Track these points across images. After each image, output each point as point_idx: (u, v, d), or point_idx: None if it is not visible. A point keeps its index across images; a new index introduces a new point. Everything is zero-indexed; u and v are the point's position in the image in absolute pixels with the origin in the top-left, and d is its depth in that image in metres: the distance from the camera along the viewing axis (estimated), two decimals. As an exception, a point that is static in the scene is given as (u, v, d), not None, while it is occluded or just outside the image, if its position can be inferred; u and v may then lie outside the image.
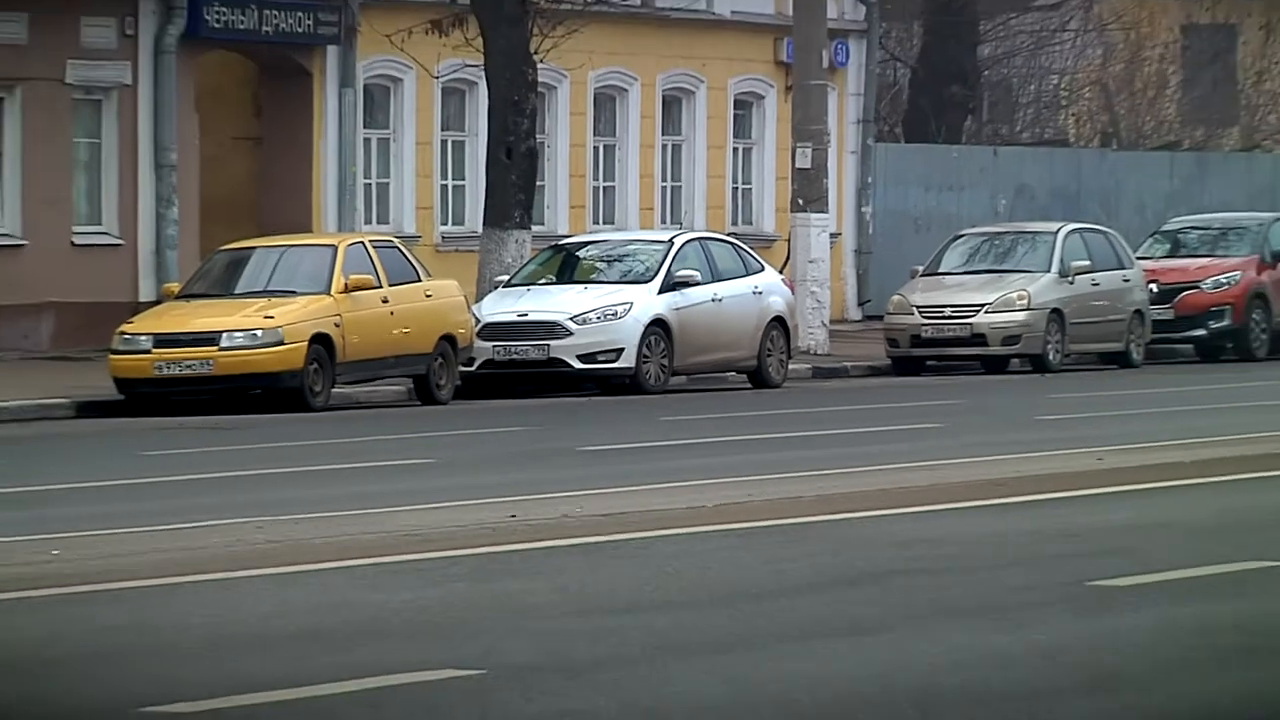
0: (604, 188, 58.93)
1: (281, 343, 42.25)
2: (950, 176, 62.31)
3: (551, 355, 45.01)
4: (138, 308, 46.18)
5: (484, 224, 50.14)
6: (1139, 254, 54.61)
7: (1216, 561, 20.37)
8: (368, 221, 52.79)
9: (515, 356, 44.97)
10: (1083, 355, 55.59)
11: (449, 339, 43.88)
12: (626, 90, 59.34)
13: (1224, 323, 54.83)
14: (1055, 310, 53.29)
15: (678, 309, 45.76)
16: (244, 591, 19.77)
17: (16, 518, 24.51)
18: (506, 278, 47.21)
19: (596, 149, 59.04)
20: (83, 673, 16.09)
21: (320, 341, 42.29)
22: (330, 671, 15.32)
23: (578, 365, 44.90)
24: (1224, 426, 34.59)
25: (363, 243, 45.03)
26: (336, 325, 42.38)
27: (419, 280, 44.31)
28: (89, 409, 41.48)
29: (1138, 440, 31.86)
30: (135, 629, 17.90)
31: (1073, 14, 76.22)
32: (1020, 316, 50.47)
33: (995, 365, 52.74)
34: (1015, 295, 53.77)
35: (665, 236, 48.41)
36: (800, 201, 53.22)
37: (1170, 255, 55.73)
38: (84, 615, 18.72)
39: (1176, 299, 54.41)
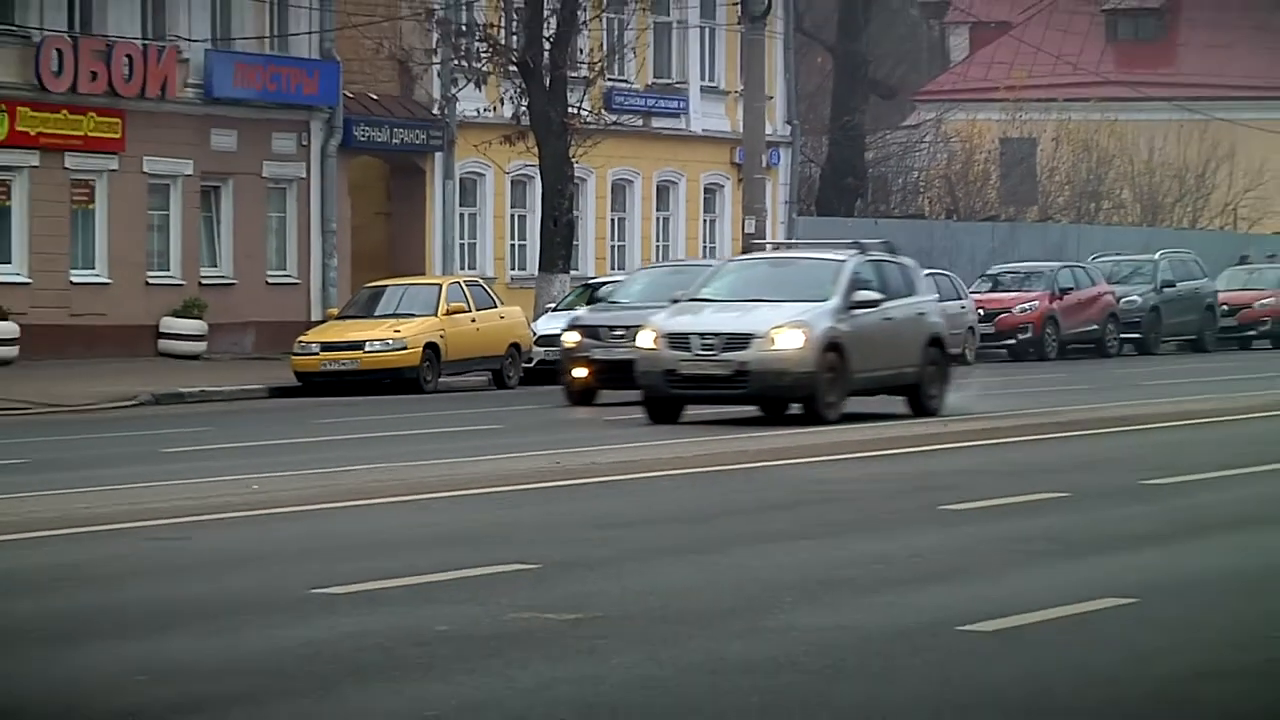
0: (617, 246, 58.88)
1: (405, 348, 42.43)
2: (847, 238, 62.20)
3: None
4: (309, 325, 46.15)
5: (539, 269, 50.16)
6: (972, 289, 54.58)
7: (1026, 492, 20.32)
8: (461, 267, 52.70)
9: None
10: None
11: (515, 346, 44.13)
12: (632, 181, 59.25)
13: (1027, 335, 54.81)
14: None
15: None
16: (379, 512, 19.80)
17: (223, 465, 24.51)
18: (553, 305, 47.25)
19: (612, 220, 58.98)
20: (265, 568, 16.22)
21: (430, 347, 42.51)
22: (437, 565, 15.43)
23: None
24: (1032, 406, 34.39)
25: (458, 282, 45.43)
26: (441, 336, 42.66)
27: (495, 306, 44.63)
28: (277, 392, 41.59)
29: (968, 412, 31.76)
30: (309, 537, 18.05)
31: (928, 130, 75.95)
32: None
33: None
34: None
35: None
36: (749, 253, 53.06)
37: (992, 290, 55.65)
38: (265, 530, 18.76)
39: (996, 319, 54.43)
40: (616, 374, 34.24)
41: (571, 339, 36.74)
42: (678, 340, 29.72)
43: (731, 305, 30.46)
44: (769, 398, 29.87)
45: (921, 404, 30.88)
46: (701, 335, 29.59)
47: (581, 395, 36.24)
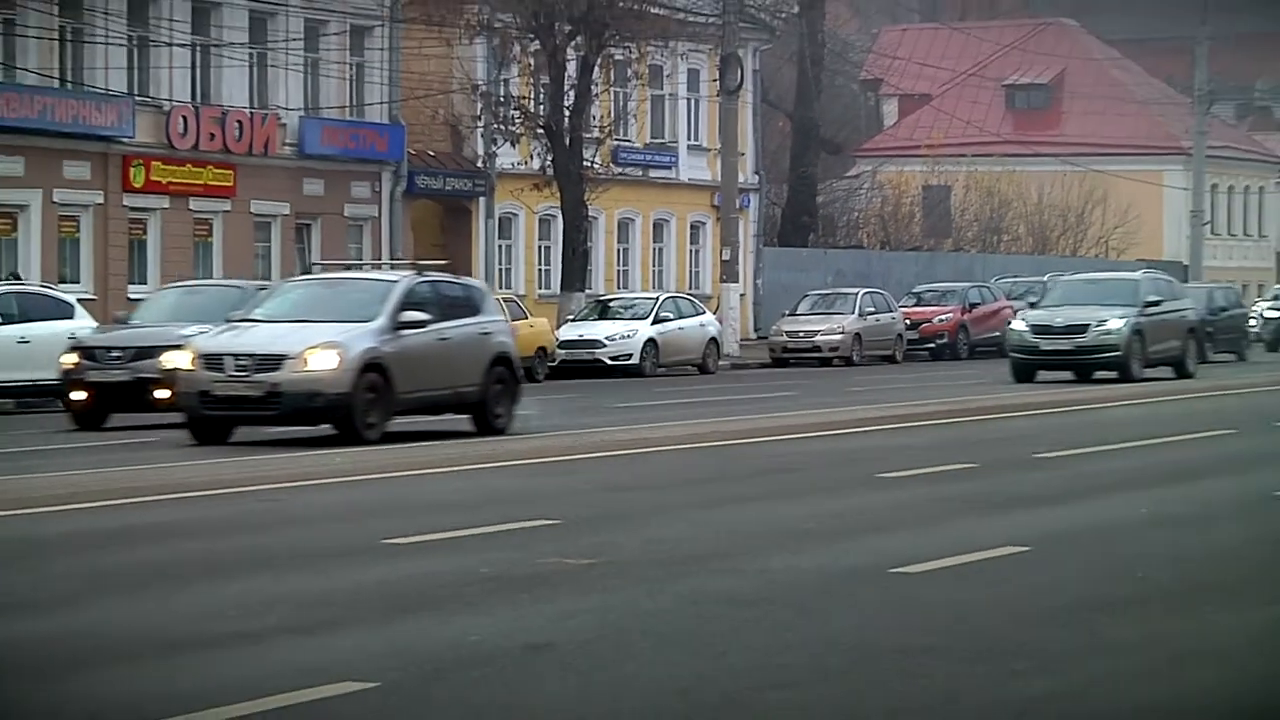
0: (622, 270, 58.76)
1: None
2: (801, 265, 62.24)
3: (596, 357, 45.10)
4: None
5: (560, 288, 50.31)
6: (900, 304, 54.51)
7: (943, 464, 20.18)
8: (500, 286, 52.68)
9: (580, 356, 45.02)
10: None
11: (542, 348, 43.87)
12: (634, 219, 59.20)
13: (944, 340, 54.67)
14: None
15: (663, 333, 45.86)
16: (433, 480, 19.61)
17: (310, 442, 23.94)
18: (572, 316, 47.35)
19: (618, 250, 58.93)
20: (345, 524, 16.20)
21: None
22: (480, 521, 15.34)
23: (609, 362, 44.97)
24: (941, 395, 34.44)
25: (499, 299, 44.99)
26: (484, 341, 42.51)
27: (526, 317, 44.26)
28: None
29: (889, 401, 31.80)
30: (379, 500, 18.02)
31: (865, 179, 76.08)
32: None
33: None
34: None
35: (655, 295, 48.47)
36: (725, 277, 53.08)
37: (916, 305, 55.41)
38: (345, 494, 18.54)
39: (920, 327, 54.29)
40: (118, 396, 28.34)
41: (69, 360, 28.94)
42: (212, 361, 24.09)
43: (277, 325, 24.65)
44: (303, 419, 24.11)
45: (487, 423, 25.21)
46: (235, 356, 24.00)
47: (86, 418, 28.43)
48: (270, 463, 21.12)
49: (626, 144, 57.69)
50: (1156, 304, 38.26)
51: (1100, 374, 37.93)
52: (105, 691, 9.36)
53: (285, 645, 10.45)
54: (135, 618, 11.34)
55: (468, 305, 25.86)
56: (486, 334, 25.79)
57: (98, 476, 19.52)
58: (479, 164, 53.27)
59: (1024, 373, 37.85)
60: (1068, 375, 38.13)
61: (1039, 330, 37.80)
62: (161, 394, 26.56)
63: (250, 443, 24.15)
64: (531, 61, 49.85)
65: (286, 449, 23.19)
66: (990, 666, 9.78)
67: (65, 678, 9.68)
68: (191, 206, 47.13)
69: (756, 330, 59.39)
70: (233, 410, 24.26)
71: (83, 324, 33.97)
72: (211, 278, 47.38)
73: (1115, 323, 37.30)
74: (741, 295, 56.07)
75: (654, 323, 45.68)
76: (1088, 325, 37.34)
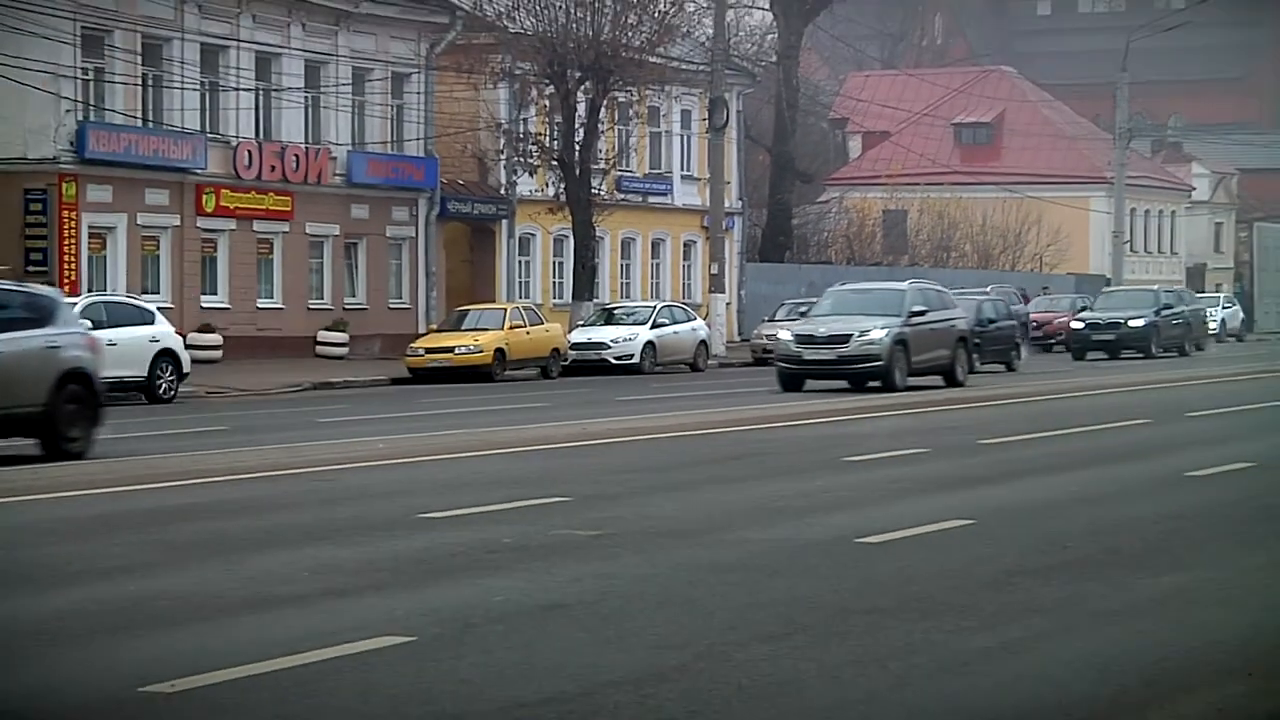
0: (624, 283, 58.64)
1: (482, 351, 42.14)
2: (779, 278, 62.16)
3: (602, 357, 45.06)
4: (417, 336, 46.14)
5: (571, 298, 50.23)
6: None
7: (900, 449, 20.05)
8: (519, 296, 52.70)
9: (589, 356, 45.03)
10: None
11: (556, 350, 43.85)
12: (635, 239, 59.10)
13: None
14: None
15: (660, 337, 45.86)
16: (463, 462, 19.51)
17: (359, 430, 24.27)
18: (581, 323, 47.31)
19: (622, 265, 58.83)
20: (388, 500, 16.08)
21: (499, 350, 42.23)
22: (503, 499, 15.30)
23: (613, 361, 44.94)
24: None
25: (518, 307, 45.01)
26: (506, 343, 42.40)
27: (542, 323, 44.28)
28: (396, 382, 41.55)
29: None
30: (417, 479, 17.70)
31: (833, 204, 76.01)
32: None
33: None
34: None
35: (653, 304, 48.46)
36: (713, 288, 52.98)
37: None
38: (388, 475, 18.24)
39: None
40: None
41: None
42: None
43: None
44: None
45: (57, 446, 19.59)
46: None
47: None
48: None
49: (628, 174, 57.59)
50: (922, 314, 33.77)
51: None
52: (169, 646, 9.35)
53: (334, 605, 10.41)
54: (202, 583, 11.26)
55: (31, 317, 20.14)
56: (54, 348, 20.08)
57: (170, 461, 19.58)
58: (502, 191, 53.30)
59: (791, 383, 33.58)
60: (842, 384, 33.12)
61: (803, 340, 33.59)
62: None
63: None
64: (547, 103, 49.82)
65: None
66: (939, 623, 9.78)
67: (137, 633, 9.69)
68: (255, 228, 47.14)
69: (740, 334, 59.33)
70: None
71: (162, 329, 34.05)
72: (273, 287, 47.51)
73: (877, 333, 32.91)
74: (727, 304, 56.09)
75: (652, 328, 45.60)
76: (850, 335, 33.03)
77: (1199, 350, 51.97)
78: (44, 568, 11.95)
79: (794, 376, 33.45)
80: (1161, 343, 50.68)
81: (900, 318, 33.17)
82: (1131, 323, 50.62)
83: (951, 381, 34.23)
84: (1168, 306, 52.22)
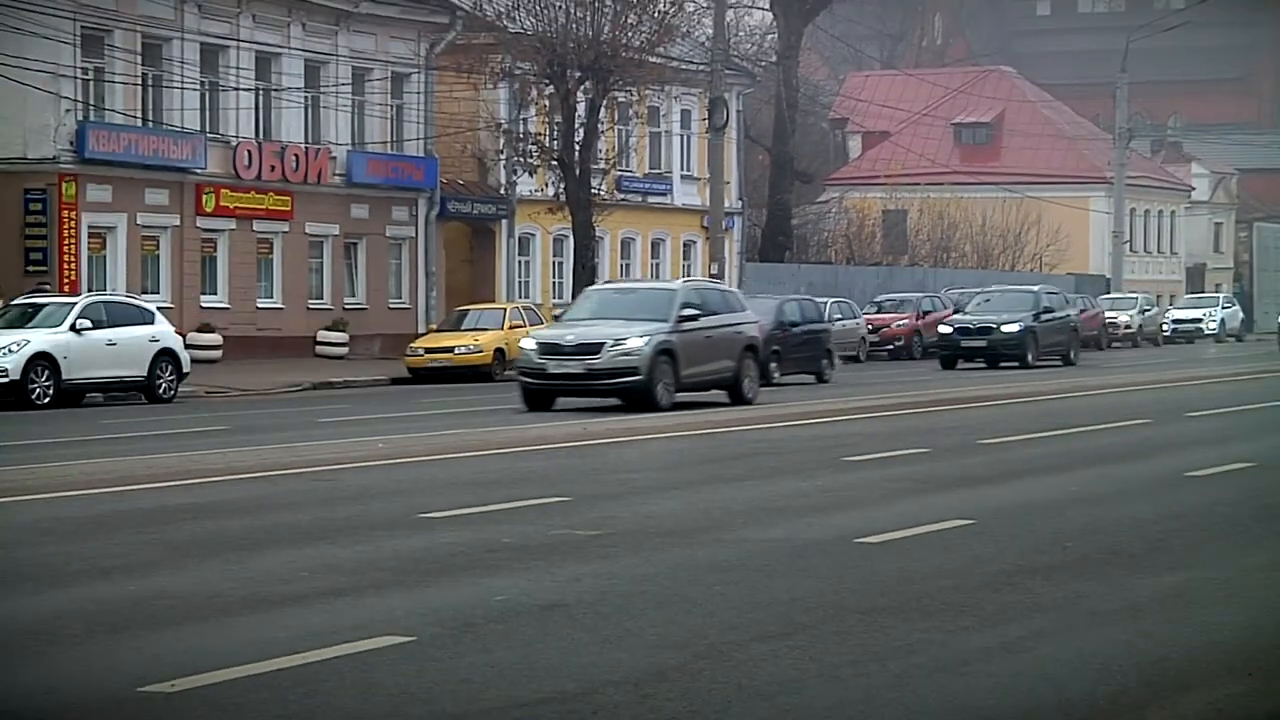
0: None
1: (481, 351, 42.26)
2: (778, 278, 62.13)
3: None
4: (417, 335, 46.19)
5: (572, 298, 49.66)
6: (864, 311, 54.44)
7: (900, 449, 20.08)
8: (519, 297, 52.69)
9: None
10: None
11: (556, 349, 44.02)
12: (635, 239, 59.09)
13: (901, 343, 54.70)
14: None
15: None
16: (463, 462, 19.49)
17: (358, 430, 24.16)
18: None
19: (622, 265, 58.78)
20: (388, 500, 16.05)
21: (498, 350, 42.27)
22: (503, 498, 15.34)
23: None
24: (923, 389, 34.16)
25: (517, 307, 45.14)
26: (505, 343, 42.31)
27: (542, 323, 44.30)
28: (396, 381, 41.58)
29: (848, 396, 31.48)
30: (418, 479, 17.74)
31: (833, 204, 76.02)
32: None
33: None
34: None
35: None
36: (713, 288, 53.15)
37: (877, 312, 55.37)
38: (388, 474, 18.36)
39: (880, 331, 54.27)
40: None
41: None
42: None
43: None
44: None
45: None
46: None
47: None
48: None
49: (628, 174, 57.55)
50: (694, 318, 28.35)
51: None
52: (169, 645, 9.35)
53: (334, 605, 10.41)
54: (202, 583, 11.26)
55: None
56: None
57: (170, 461, 19.58)
58: (502, 191, 53.28)
59: (536, 400, 27.95)
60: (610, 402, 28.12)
61: (547, 350, 27.82)
62: None
63: None
64: (546, 103, 49.77)
65: None
66: (938, 622, 9.78)
67: (137, 633, 9.70)
68: (255, 228, 47.14)
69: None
70: None
71: (162, 329, 34.06)
72: (273, 287, 47.52)
73: (635, 341, 27.45)
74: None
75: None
76: (602, 344, 27.44)
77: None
78: (44, 567, 11.95)
79: (539, 394, 27.98)
80: (1041, 350, 45.67)
81: (667, 323, 27.97)
82: (1005, 328, 45.32)
83: (737, 398, 29.21)
84: (1048, 310, 46.90)
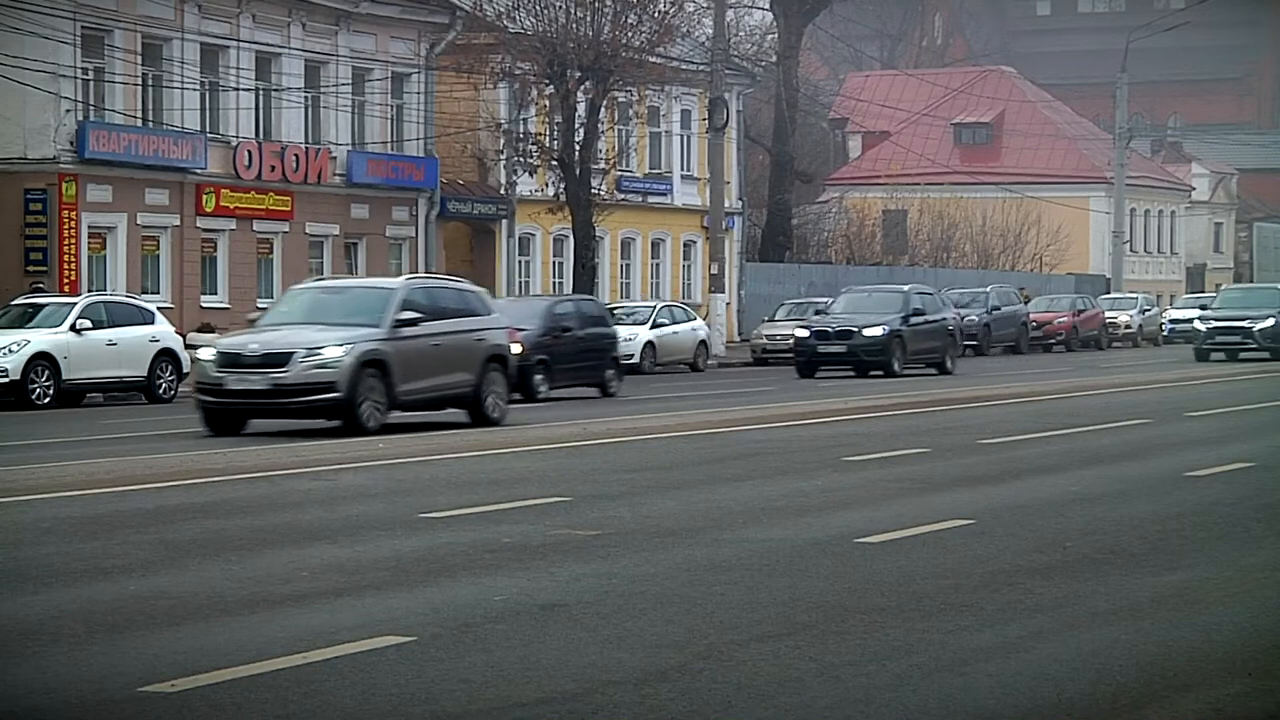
0: (624, 283, 58.71)
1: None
2: (779, 278, 62.26)
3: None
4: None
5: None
6: None
7: (900, 449, 20.19)
8: (520, 294, 52.72)
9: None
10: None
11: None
12: (635, 239, 59.15)
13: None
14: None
15: (660, 337, 45.72)
16: (463, 462, 19.36)
17: (355, 430, 23.41)
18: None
19: (622, 265, 58.88)
20: (388, 500, 15.95)
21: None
22: (503, 498, 15.39)
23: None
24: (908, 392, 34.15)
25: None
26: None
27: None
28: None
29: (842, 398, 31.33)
30: (417, 480, 17.58)
31: (833, 204, 76.06)
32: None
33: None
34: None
35: (652, 304, 48.37)
36: (713, 288, 53.01)
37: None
38: (388, 475, 18.20)
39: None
40: None
41: None
42: None
43: None
44: None
45: None
46: None
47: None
48: None
49: (628, 174, 57.61)
50: (414, 322, 23.74)
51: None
52: (169, 646, 9.32)
53: (334, 605, 10.40)
54: (202, 583, 11.22)
55: None
56: None
57: (170, 460, 19.56)
58: (502, 191, 53.33)
59: (221, 424, 22.98)
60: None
61: (227, 363, 23.01)
62: None
63: None
64: (547, 103, 49.78)
65: None
66: (938, 622, 9.78)
67: (137, 633, 9.67)
68: (255, 228, 47.13)
69: (740, 334, 59.32)
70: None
71: (162, 329, 34.05)
72: (272, 287, 47.50)
73: (334, 350, 22.80)
74: (727, 304, 56.07)
75: (652, 327, 45.48)
76: (291, 354, 22.76)
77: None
78: (44, 567, 11.91)
79: (220, 414, 23.12)
80: (910, 357, 40.72)
81: (380, 328, 23.44)
82: (867, 331, 40.20)
83: (479, 417, 24.62)
84: (918, 312, 41.59)
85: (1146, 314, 66.95)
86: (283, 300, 26.38)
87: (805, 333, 41.30)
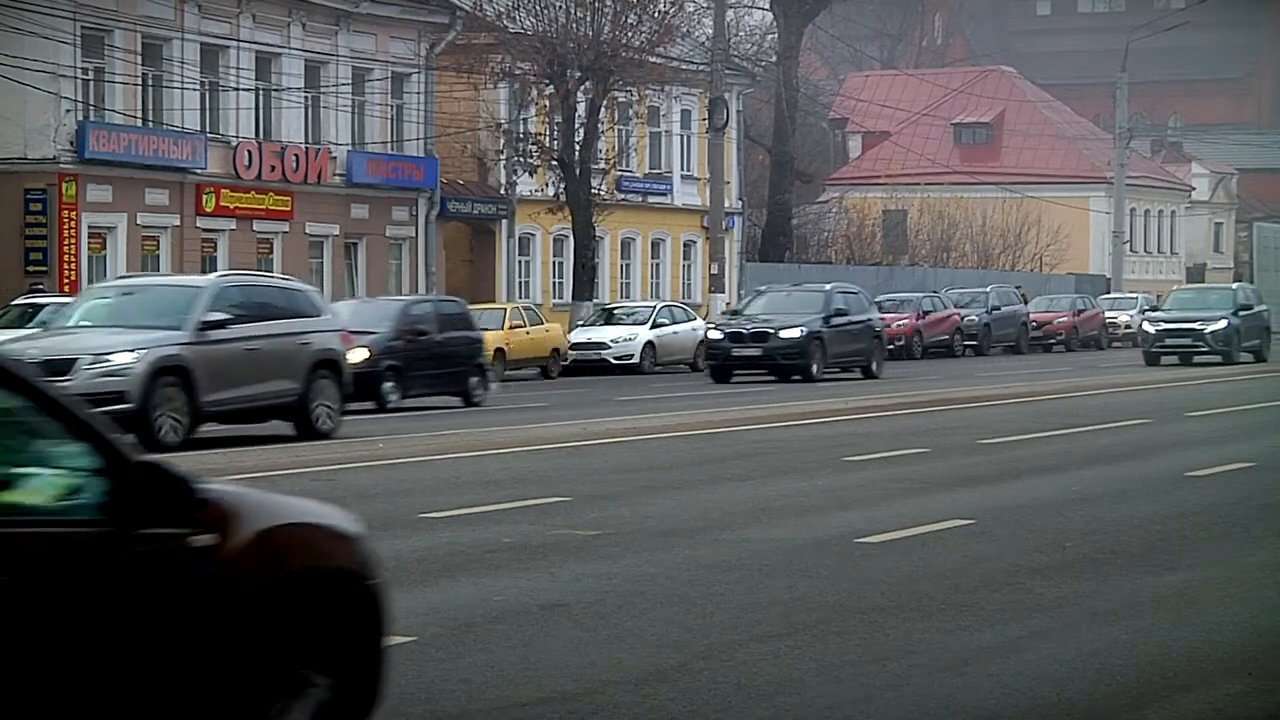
0: (624, 283, 58.60)
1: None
2: (778, 278, 62.14)
3: (602, 357, 44.91)
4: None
5: (572, 298, 50.35)
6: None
7: (900, 448, 20.18)
8: (519, 296, 52.68)
9: (589, 356, 44.98)
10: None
11: (556, 350, 43.85)
12: (635, 239, 59.05)
13: (902, 342, 54.24)
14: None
15: (660, 337, 45.75)
16: (464, 462, 19.37)
17: (355, 430, 23.76)
18: (581, 323, 47.28)
19: (622, 265, 58.75)
20: (388, 500, 15.85)
21: (499, 350, 41.42)
22: (503, 498, 15.44)
23: (613, 361, 44.82)
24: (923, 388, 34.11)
25: (518, 307, 45.01)
26: (506, 343, 42.04)
27: (542, 323, 44.24)
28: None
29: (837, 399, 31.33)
30: (417, 479, 17.62)
31: (833, 204, 76.08)
32: None
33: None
34: None
35: (652, 304, 48.37)
36: (713, 288, 53.05)
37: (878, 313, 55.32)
38: (388, 474, 18.29)
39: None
40: None
41: None
42: None
43: None
44: None
45: None
46: None
47: None
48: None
49: (628, 174, 57.52)
50: (225, 324, 21.57)
51: None
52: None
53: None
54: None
55: None
56: None
57: (170, 460, 19.50)
58: (502, 191, 53.28)
59: None
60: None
61: None
62: None
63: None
64: (547, 103, 49.81)
65: None
66: (938, 622, 9.79)
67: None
68: (255, 228, 47.08)
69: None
70: None
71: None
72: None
73: (124, 356, 20.67)
74: (727, 304, 56.03)
75: (652, 327, 45.55)
76: (74, 361, 20.56)
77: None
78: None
79: None
80: (830, 360, 38.28)
81: (183, 330, 21.25)
82: (784, 333, 37.60)
83: (306, 430, 22.58)
84: (841, 313, 39.08)
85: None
86: (79, 301, 23.75)
87: (719, 335, 38.48)
